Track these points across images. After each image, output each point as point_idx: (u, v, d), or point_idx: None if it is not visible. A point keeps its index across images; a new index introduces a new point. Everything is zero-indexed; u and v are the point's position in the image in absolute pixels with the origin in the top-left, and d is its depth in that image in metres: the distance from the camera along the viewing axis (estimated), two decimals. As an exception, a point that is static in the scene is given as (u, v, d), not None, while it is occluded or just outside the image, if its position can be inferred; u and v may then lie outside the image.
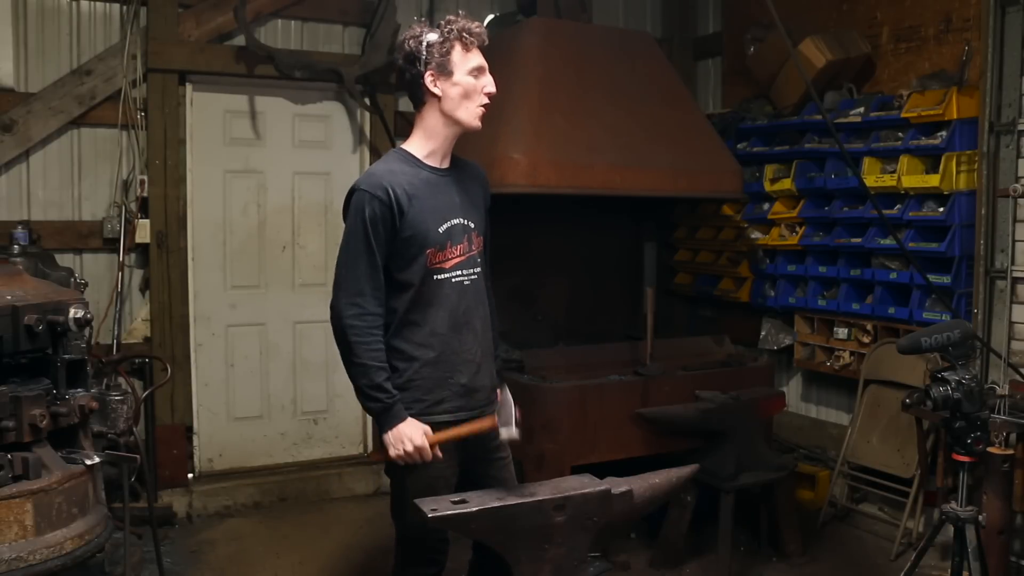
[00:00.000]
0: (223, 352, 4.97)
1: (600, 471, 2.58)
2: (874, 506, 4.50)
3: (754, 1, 4.54)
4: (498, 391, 2.59)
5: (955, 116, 3.99)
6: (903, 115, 4.19)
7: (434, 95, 2.53)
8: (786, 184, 4.85)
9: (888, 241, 4.24)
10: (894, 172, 4.22)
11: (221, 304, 4.96)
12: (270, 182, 5.03)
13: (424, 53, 2.49)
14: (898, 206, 4.24)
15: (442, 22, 2.53)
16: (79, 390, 2.55)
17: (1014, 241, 3.79)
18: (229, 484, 4.82)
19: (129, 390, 3.35)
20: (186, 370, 4.77)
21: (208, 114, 4.85)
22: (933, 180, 4.04)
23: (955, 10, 4.21)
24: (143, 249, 4.65)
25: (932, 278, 3.96)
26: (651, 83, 4.62)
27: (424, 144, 2.60)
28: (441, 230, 2.54)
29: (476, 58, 2.53)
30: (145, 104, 4.59)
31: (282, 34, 4.98)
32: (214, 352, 4.94)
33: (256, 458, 5.05)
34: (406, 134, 5.45)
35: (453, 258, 2.56)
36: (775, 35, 4.63)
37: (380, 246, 2.46)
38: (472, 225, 2.62)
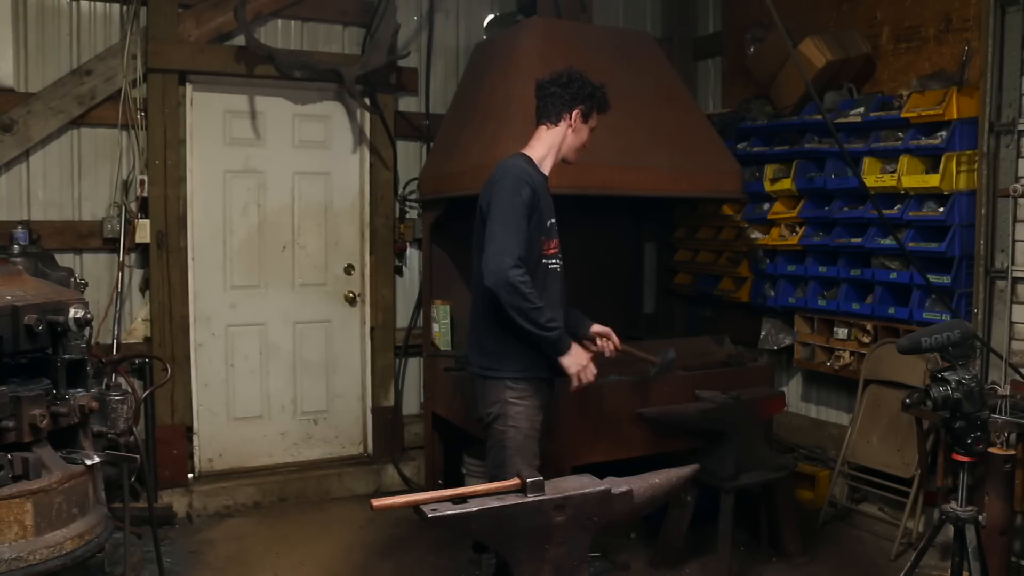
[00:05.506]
0: (223, 352, 4.97)
1: (600, 471, 2.58)
2: (874, 506, 4.50)
3: (754, 1, 4.54)
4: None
5: (955, 116, 3.98)
6: (903, 115, 4.18)
7: (570, 126, 3.18)
8: (786, 184, 4.85)
9: (888, 241, 4.24)
10: (894, 172, 4.22)
11: (221, 304, 4.96)
12: (270, 182, 5.03)
13: (587, 91, 3.16)
14: (898, 206, 4.23)
15: (599, 85, 3.21)
16: (79, 390, 2.56)
17: (1014, 241, 3.79)
18: (229, 484, 4.82)
19: (129, 390, 3.34)
20: (186, 370, 4.77)
21: (208, 114, 4.85)
22: (933, 180, 4.04)
23: (955, 10, 4.21)
24: (143, 249, 4.65)
25: (932, 278, 3.96)
26: (651, 83, 4.62)
27: (544, 155, 3.19)
28: (549, 224, 3.15)
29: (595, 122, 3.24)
30: (145, 104, 4.59)
31: (282, 34, 4.98)
32: (214, 352, 4.94)
33: (256, 458, 5.06)
34: (406, 134, 5.51)
35: (553, 248, 3.18)
36: (775, 35, 4.63)
37: (527, 223, 3.00)
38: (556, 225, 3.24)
